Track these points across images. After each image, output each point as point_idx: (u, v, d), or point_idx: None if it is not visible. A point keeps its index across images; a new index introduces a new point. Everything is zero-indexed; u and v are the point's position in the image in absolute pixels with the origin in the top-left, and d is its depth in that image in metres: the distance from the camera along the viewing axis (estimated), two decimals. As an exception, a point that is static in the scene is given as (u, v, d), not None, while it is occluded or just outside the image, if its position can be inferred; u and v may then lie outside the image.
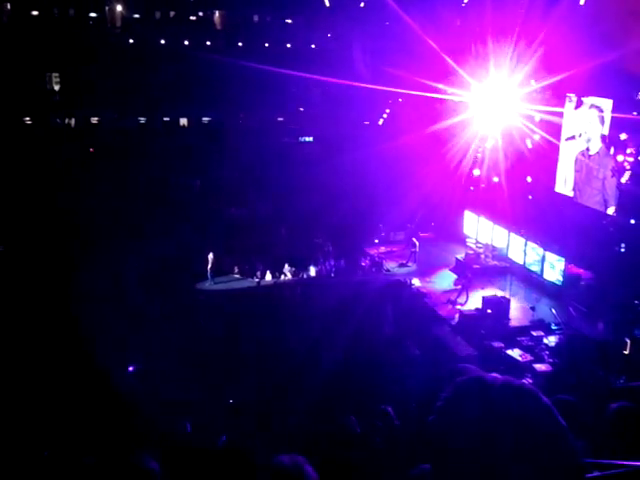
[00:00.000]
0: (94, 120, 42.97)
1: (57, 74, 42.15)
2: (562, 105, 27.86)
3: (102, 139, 40.86)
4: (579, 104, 26.80)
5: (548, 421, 2.05)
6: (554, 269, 25.03)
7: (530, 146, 29.60)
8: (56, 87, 42.66)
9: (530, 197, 29.68)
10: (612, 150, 25.20)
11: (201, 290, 26.18)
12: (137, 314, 23.41)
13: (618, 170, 24.43)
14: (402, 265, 29.04)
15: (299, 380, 18.83)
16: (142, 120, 43.84)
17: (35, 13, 42.53)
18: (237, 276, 27.50)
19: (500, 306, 22.75)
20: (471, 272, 25.97)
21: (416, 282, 26.46)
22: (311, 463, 3.70)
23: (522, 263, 26.94)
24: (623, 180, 24.24)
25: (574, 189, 27.90)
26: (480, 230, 30.24)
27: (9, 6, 42.54)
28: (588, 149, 26.79)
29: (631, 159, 24.28)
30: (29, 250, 28.17)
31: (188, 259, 27.85)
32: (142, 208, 32.40)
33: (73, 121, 42.77)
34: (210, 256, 26.86)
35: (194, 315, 23.33)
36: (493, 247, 28.64)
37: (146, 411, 15.55)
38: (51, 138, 39.07)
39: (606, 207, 25.73)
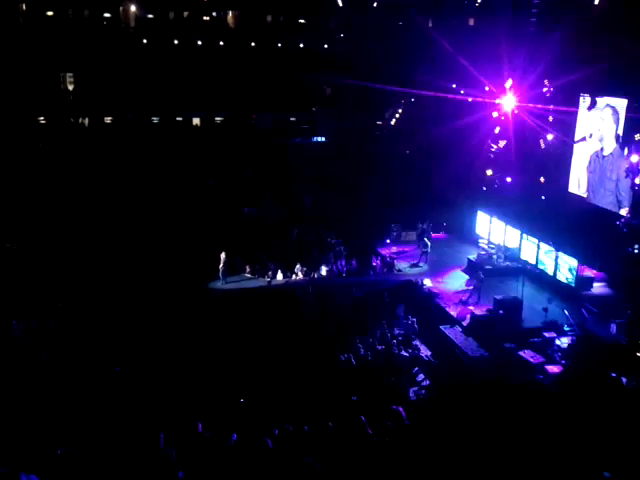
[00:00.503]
0: (108, 119, 43.21)
1: (71, 74, 42.41)
2: (576, 105, 27.72)
3: (115, 138, 41.06)
4: (593, 104, 26.64)
5: None
6: (567, 270, 24.89)
7: (543, 146, 29.46)
8: (70, 87, 42.93)
9: (543, 197, 29.53)
10: (626, 151, 25.02)
11: (212, 289, 26.23)
12: (150, 312, 23.56)
13: (632, 171, 24.25)
14: (414, 265, 28.99)
15: (310, 379, 18.86)
16: (155, 119, 44.03)
17: (50, 13, 42.81)
18: (249, 275, 27.54)
19: (512, 307, 22.64)
20: (483, 273, 25.88)
21: (428, 282, 26.40)
22: (320, 461, 3.71)
23: (534, 264, 26.81)
24: (637, 181, 24.06)
25: (587, 190, 27.74)
26: (492, 230, 30.13)
27: (24, 7, 42.84)
28: (602, 149, 26.63)
29: (645, 160, 24.10)
30: (41, 248, 28.39)
31: (200, 258, 27.97)
32: (155, 206, 32.57)
33: (87, 120, 43.01)
34: (222, 255, 26.92)
35: (205, 314, 23.38)
36: (505, 248, 28.51)
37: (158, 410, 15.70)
38: (64, 137, 39.34)
39: (619, 208, 25.57)
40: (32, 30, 41.45)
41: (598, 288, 24.93)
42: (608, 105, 26.00)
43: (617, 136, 25.65)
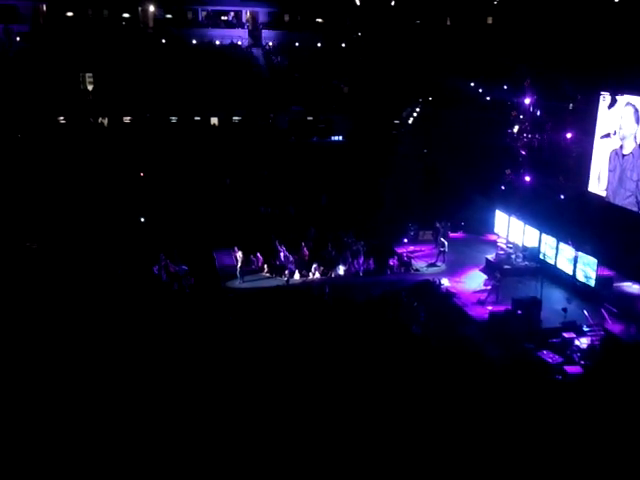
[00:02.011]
0: (127, 119, 43.48)
1: (90, 74, 42.78)
2: (596, 103, 27.45)
3: (134, 138, 41.32)
4: (613, 102, 26.36)
5: None
6: (586, 270, 24.65)
7: (563, 145, 29.23)
8: (89, 87, 43.30)
9: (562, 197, 29.27)
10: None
11: (230, 288, 26.32)
12: (168, 309, 23.67)
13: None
14: (431, 265, 28.87)
15: (325, 378, 18.87)
16: (174, 119, 44.23)
17: (70, 14, 43.23)
18: (266, 274, 27.58)
19: (531, 307, 22.47)
20: (501, 272, 25.71)
21: (445, 282, 26.27)
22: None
23: (554, 264, 26.59)
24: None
25: (607, 189, 27.45)
26: (511, 230, 29.93)
27: (45, 7, 43.29)
28: (622, 148, 26.35)
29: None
30: (62, 248, 28.64)
31: (218, 257, 28.12)
32: (173, 205, 32.72)
33: (106, 120, 43.31)
34: (239, 254, 27.01)
35: (223, 312, 23.48)
36: (524, 247, 28.31)
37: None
38: (84, 137, 39.65)
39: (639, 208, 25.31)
40: (52, 31, 41.88)
41: (618, 288, 24.62)
42: (629, 103, 25.71)
43: (636, 136, 25.38)
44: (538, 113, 30.04)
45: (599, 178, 27.90)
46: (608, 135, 27.13)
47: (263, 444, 15.67)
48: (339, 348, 20.65)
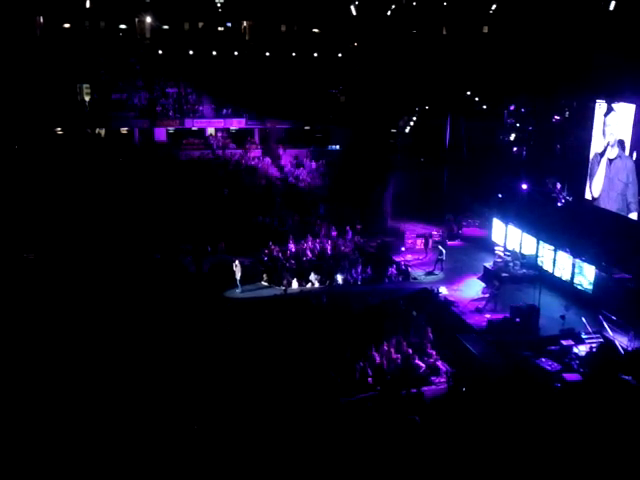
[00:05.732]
0: (124, 130, 43.59)
1: (87, 85, 42.91)
2: (592, 111, 27.54)
3: (131, 148, 41.40)
4: (609, 110, 26.46)
5: None
6: (584, 277, 24.65)
7: (559, 152, 29.31)
8: (87, 98, 43.43)
9: (559, 204, 29.32)
10: (635, 155, 24.90)
11: (229, 298, 26.29)
12: (167, 320, 23.62)
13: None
14: (429, 273, 28.86)
15: (323, 388, 18.82)
16: (171, 129, 44.36)
17: (67, 26, 43.35)
18: (265, 284, 27.55)
19: (529, 315, 22.46)
20: (499, 280, 25.69)
21: (443, 290, 26.26)
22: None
23: (551, 271, 26.59)
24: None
25: (601, 194, 27.49)
26: (508, 238, 29.95)
27: (42, 19, 43.43)
28: (611, 153, 26.42)
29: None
30: (59, 259, 28.61)
31: (217, 267, 28.12)
32: (171, 215, 32.72)
33: (103, 131, 43.41)
34: (237, 263, 26.98)
35: (222, 322, 23.43)
36: (522, 255, 28.32)
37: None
38: (81, 147, 39.69)
39: (628, 212, 25.38)
40: (49, 42, 42.01)
41: (616, 295, 24.55)
42: (620, 110, 25.80)
43: (621, 140, 25.54)
44: (534, 121, 30.14)
45: (595, 184, 27.95)
46: (609, 143, 27.19)
47: (259, 453, 15.62)
48: (336, 357, 20.62)
